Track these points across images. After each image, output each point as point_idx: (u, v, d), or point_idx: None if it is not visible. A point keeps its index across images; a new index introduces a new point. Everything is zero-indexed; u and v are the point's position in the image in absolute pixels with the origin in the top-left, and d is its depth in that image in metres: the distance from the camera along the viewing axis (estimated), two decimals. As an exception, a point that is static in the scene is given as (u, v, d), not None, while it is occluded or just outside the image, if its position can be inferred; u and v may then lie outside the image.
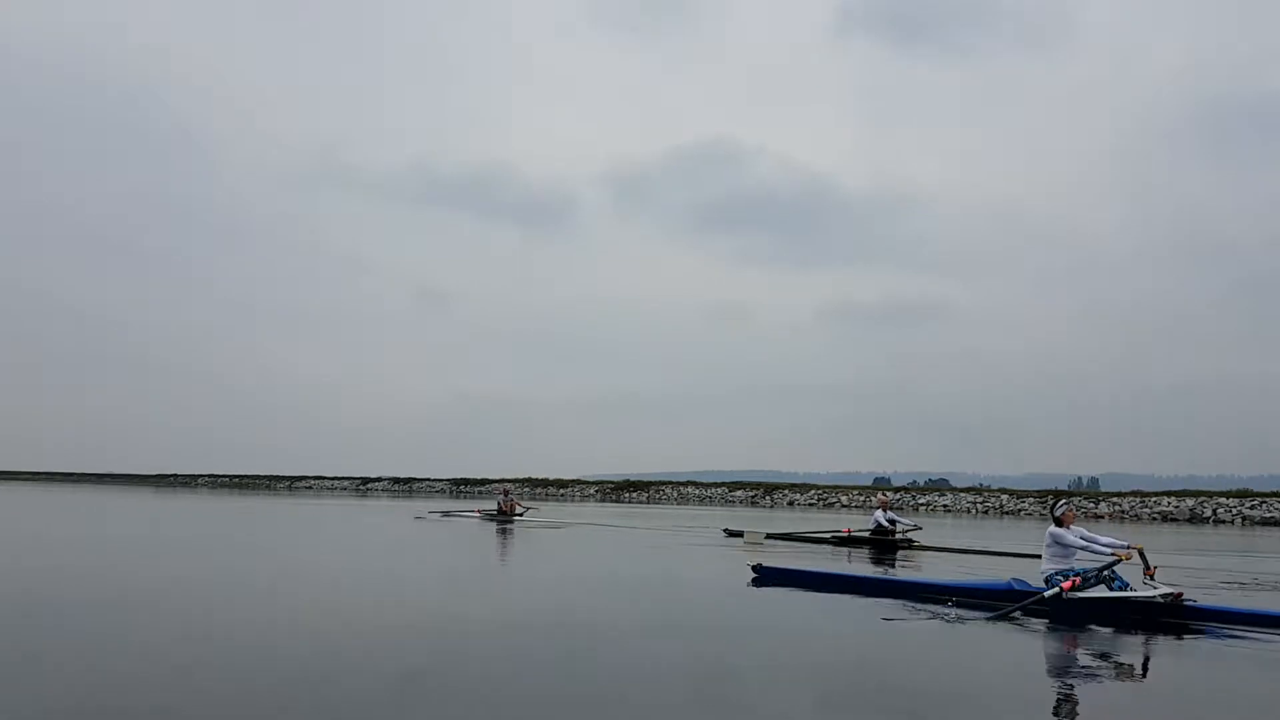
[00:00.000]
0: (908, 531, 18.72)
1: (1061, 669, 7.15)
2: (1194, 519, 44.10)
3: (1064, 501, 9.59)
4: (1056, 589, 8.65)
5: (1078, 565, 8.94)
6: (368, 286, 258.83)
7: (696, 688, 5.98)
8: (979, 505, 52.08)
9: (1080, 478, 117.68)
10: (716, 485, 66.66)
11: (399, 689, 5.73)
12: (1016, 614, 8.53)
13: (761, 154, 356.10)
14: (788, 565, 12.12)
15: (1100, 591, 8.69)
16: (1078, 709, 5.79)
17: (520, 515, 27.36)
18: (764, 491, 62.02)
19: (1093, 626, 8.44)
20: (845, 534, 19.27)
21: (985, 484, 65.43)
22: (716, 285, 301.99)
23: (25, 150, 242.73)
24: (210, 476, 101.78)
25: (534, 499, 52.76)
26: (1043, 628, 8.52)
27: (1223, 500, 45.58)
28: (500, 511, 27.17)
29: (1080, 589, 8.63)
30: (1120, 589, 8.69)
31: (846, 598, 10.18)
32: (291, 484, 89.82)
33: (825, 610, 9.54)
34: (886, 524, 18.50)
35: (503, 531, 22.67)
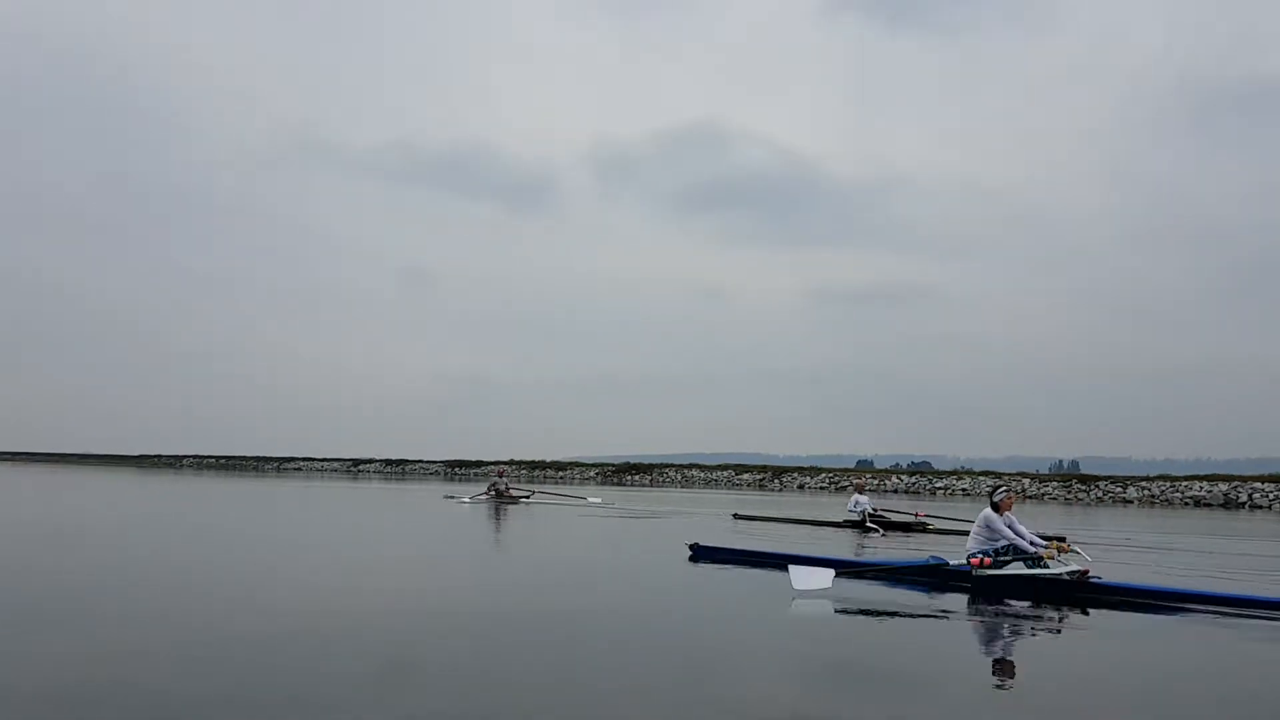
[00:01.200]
0: (902, 516, 19.13)
1: (975, 641, 7.53)
2: (1228, 504, 42.64)
3: (1004, 488, 9.81)
4: (965, 566, 9.32)
5: (1023, 553, 9.34)
6: (350, 266, 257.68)
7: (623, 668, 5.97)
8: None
9: (1061, 461, 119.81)
10: (722, 468, 65.08)
11: (386, 674, 5.58)
12: (907, 578, 9.65)
13: (747, 136, 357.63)
14: (725, 544, 12.79)
15: (1015, 569, 9.25)
16: (990, 677, 6.09)
17: (527, 499, 27.57)
18: (772, 474, 60.46)
19: (1008, 601, 8.91)
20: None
21: (967, 467, 64.81)
22: (700, 267, 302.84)
23: (5, 130, 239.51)
24: (195, 458, 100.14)
25: (531, 482, 51.21)
26: (962, 602, 8.91)
27: (1259, 485, 44.01)
28: (498, 493, 27.31)
29: (992, 568, 9.20)
30: (1030, 567, 9.21)
31: (776, 574, 10.26)
32: (280, 465, 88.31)
33: (754, 588, 9.88)
34: (857, 508, 18.80)
35: (498, 514, 22.60)
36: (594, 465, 73.42)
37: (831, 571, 8.95)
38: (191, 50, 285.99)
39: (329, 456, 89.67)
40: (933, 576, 9.63)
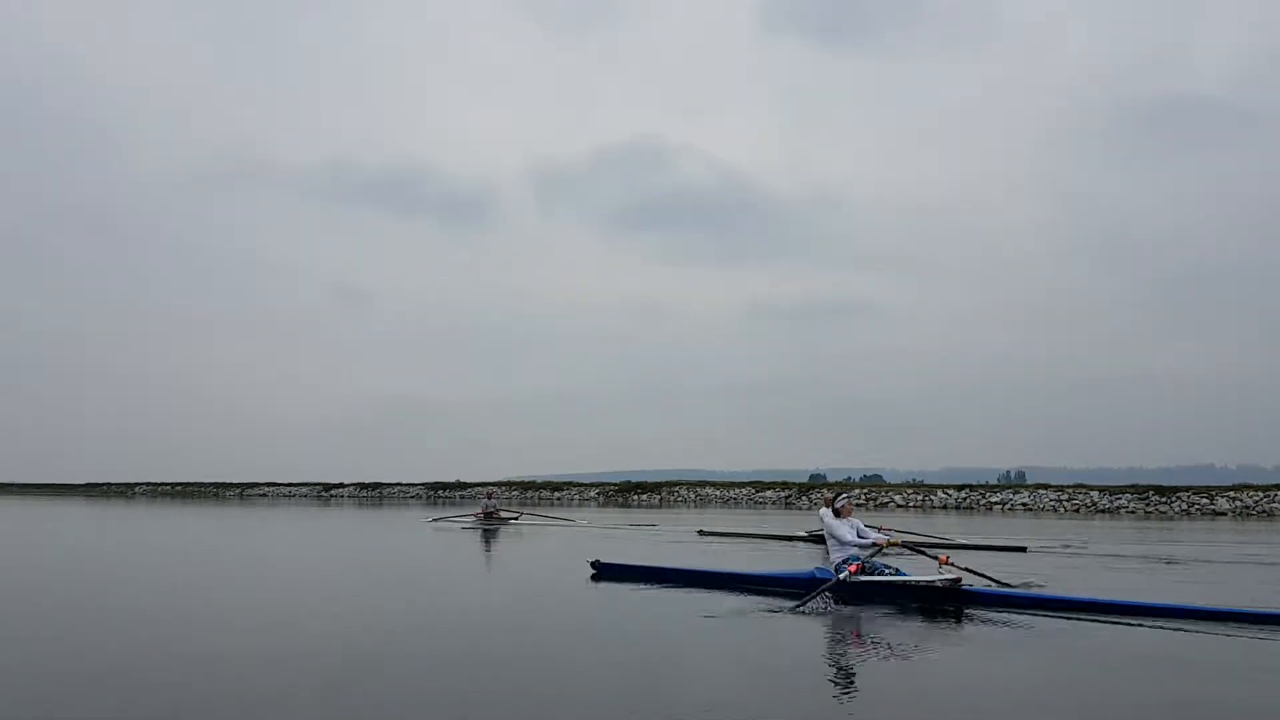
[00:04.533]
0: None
1: (849, 650, 7.72)
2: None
3: (844, 495, 10.62)
4: (845, 574, 9.87)
5: (859, 554, 10.08)
6: (285, 286, 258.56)
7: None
8: (1064, 503, 46.72)
9: (1009, 471, 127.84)
10: (740, 485, 61.31)
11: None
12: (816, 602, 9.51)
13: (686, 152, 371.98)
14: (627, 561, 13.13)
15: (887, 576, 9.97)
16: (861, 684, 6.33)
17: (515, 520, 28.41)
18: (799, 491, 56.68)
19: (883, 608, 9.41)
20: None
21: (918, 479, 66.91)
22: (640, 283, 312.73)
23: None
24: (148, 485, 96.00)
25: (524, 504, 47.82)
26: (838, 611, 9.33)
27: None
28: (487, 516, 27.69)
29: (865, 574, 9.90)
30: (901, 577, 9.93)
31: (678, 591, 10.74)
32: (243, 492, 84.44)
33: (653, 605, 10.04)
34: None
35: (487, 536, 22.86)
36: (593, 485, 69.65)
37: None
38: (123, 73, 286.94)
39: (295, 481, 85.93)
40: (809, 587, 10.10)
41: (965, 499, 50.09)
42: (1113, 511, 43.89)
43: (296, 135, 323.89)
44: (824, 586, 9.73)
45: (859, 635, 8.25)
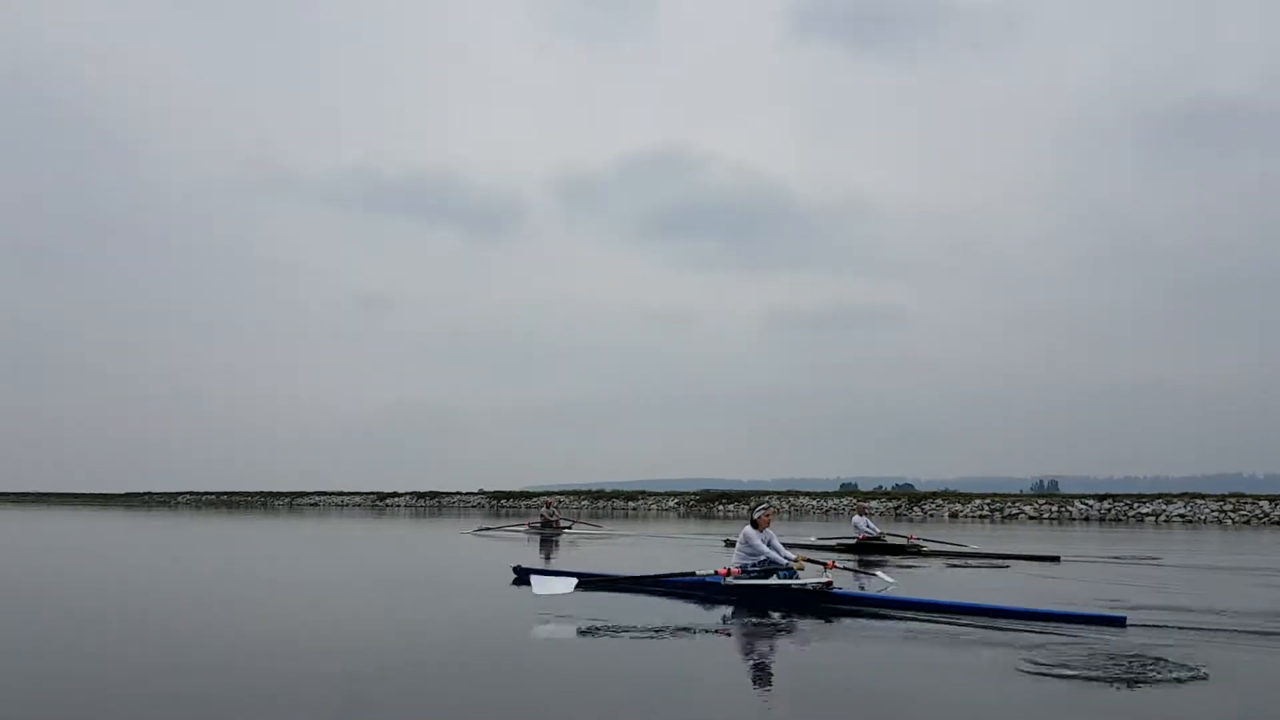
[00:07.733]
0: (910, 538, 20.31)
1: (721, 649, 8.48)
2: None
3: (763, 505, 11.51)
4: (714, 575, 10.95)
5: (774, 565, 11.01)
6: (310, 294, 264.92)
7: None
8: (1230, 515, 42.46)
9: (1041, 480, 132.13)
10: (840, 495, 57.97)
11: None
12: (670, 591, 11.31)
13: (711, 159, 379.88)
14: (545, 566, 14.62)
15: (765, 580, 10.88)
16: (732, 680, 7.06)
17: (569, 528, 29.37)
18: (909, 502, 53.17)
19: (761, 610, 10.29)
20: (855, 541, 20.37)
21: (950, 488, 66.64)
22: (665, 291, 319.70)
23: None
24: (191, 494, 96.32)
25: (595, 515, 45.56)
26: (719, 613, 10.20)
27: None
28: (545, 524, 28.76)
29: (742, 577, 10.87)
30: (785, 578, 10.76)
31: (589, 594, 11.14)
32: (292, 501, 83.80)
33: (561, 606, 10.27)
34: (865, 529, 20.29)
35: (545, 544, 23.72)
36: (672, 494, 66.97)
37: (573, 580, 10.71)
38: (147, 80, 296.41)
39: (347, 490, 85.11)
40: (688, 589, 11.20)
41: (1109, 510, 46.03)
42: (1288, 524, 39.70)
43: (321, 142, 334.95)
44: (680, 578, 11.06)
45: (728, 634, 9.04)
